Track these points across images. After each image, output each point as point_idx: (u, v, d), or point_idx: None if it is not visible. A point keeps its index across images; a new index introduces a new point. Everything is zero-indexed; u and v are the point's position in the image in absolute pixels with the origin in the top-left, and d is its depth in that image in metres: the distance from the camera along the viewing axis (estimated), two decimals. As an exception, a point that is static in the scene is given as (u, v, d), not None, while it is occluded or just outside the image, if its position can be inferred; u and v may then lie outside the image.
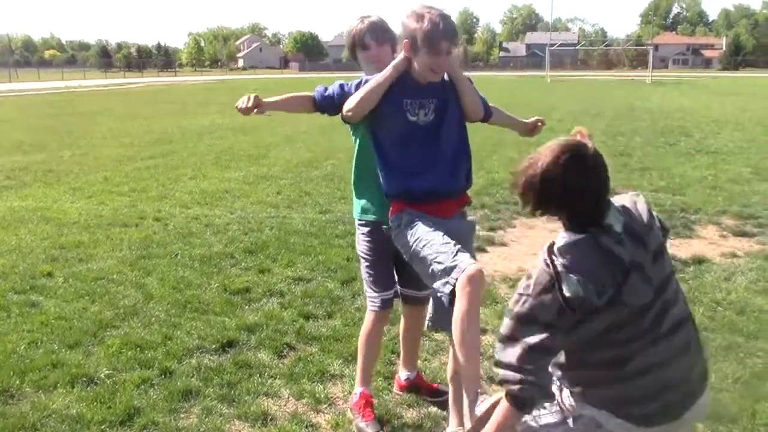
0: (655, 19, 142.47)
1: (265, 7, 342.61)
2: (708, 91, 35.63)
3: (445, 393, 3.47)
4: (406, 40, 2.89)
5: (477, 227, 3.35)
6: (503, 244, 6.71)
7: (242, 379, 3.90)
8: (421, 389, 3.77)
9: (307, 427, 3.42)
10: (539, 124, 3.48)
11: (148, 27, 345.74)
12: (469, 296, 2.63)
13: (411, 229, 2.95)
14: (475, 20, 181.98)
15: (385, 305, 3.37)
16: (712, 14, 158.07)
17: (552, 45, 71.04)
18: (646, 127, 16.98)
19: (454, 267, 2.70)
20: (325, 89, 3.12)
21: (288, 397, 3.73)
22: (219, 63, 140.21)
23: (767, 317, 4.75)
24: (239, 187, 9.51)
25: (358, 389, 3.51)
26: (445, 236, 2.85)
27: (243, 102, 2.98)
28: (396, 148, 3.03)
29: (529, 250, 6.50)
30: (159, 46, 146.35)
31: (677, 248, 6.46)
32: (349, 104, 3.00)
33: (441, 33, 2.82)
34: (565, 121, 18.80)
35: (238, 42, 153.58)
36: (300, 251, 6.33)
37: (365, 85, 3.00)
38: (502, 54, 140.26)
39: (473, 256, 2.91)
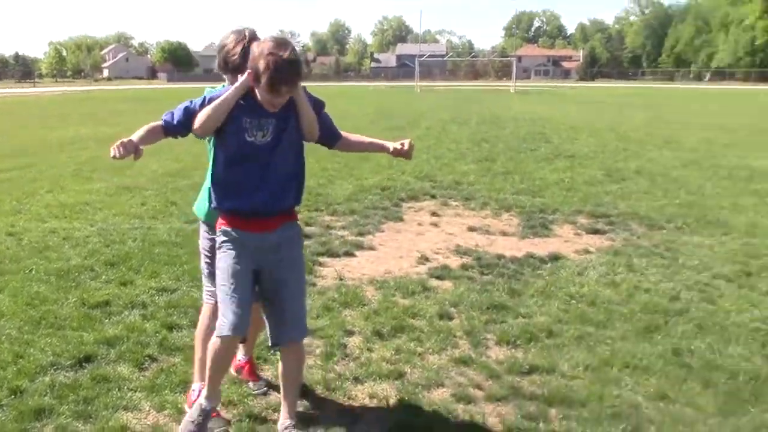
0: (517, 32, 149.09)
1: (132, 17, 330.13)
2: (567, 100, 37.59)
3: (266, 386, 3.85)
4: (250, 71, 2.91)
5: (301, 232, 3.48)
6: (371, 248, 6.79)
7: (100, 394, 3.75)
8: (244, 373, 3.95)
9: (168, 438, 3.34)
10: (403, 147, 3.44)
11: (4, 36, 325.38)
12: (211, 354, 3.19)
13: (221, 255, 3.17)
14: (347, 31, 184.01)
15: None
16: (570, 28, 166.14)
17: (421, 56, 72.78)
18: (510, 133, 17.69)
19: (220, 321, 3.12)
20: (172, 115, 3.11)
21: (149, 410, 3.63)
22: (83, 73, 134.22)
23: (615, 308, 5.06)
24: (101, 198, 9.14)
25: (196, 385, 3.56)
26: (236, 283, 3.10)
27: (119, 148, 2.90)
28: (230, 165, 3.07)
29: (396, 253, 6.62)
30: (17, 56, 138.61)
31: (536, 246, 6.78)
32: (198, 121, 3.03)
33: (281, 79, 2.86)
34: (433, 128, 19.34)
35: (103, 52, 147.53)
36: (165, 261, 6.17)
37: (212, 103, 3.01)
38: (373, 64, 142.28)
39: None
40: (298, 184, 3.20)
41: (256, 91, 2.96)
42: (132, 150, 2.94)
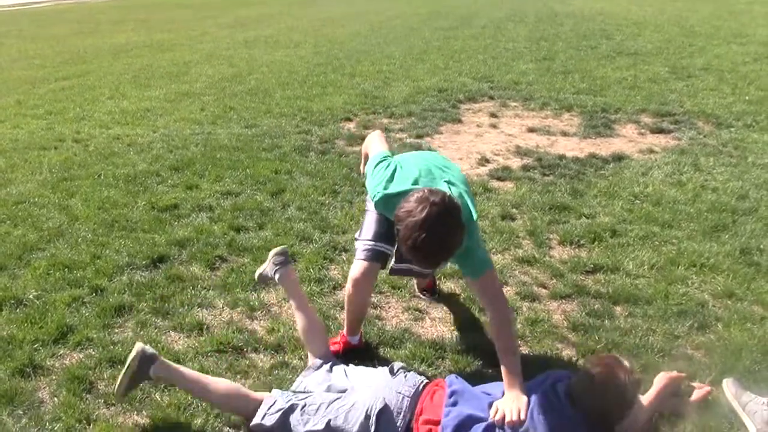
0: None
1: None
2: (628, -5, 35.87)
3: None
4: None
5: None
6: (430, 150, 6.76)
7: (175, 292, 3.91)
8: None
9: (242, 333, 3.48)
10: None
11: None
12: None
13: None
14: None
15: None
16: None
17: (475, -49, 69.88)
18: (568, 31, 17.07)
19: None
20: None
21: (222, 307, 3.77)
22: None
23: (680, 207, 4.98)
24: (161, 105, 9.23)
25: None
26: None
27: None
28: None
29: (455, 155, 6.59)
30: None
31: (598, 147, 6.66)
32: None
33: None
34: (488, 27, 18.78)
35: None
36: (227, 166, 6.26)
37: None
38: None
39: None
40: None
41: None
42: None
